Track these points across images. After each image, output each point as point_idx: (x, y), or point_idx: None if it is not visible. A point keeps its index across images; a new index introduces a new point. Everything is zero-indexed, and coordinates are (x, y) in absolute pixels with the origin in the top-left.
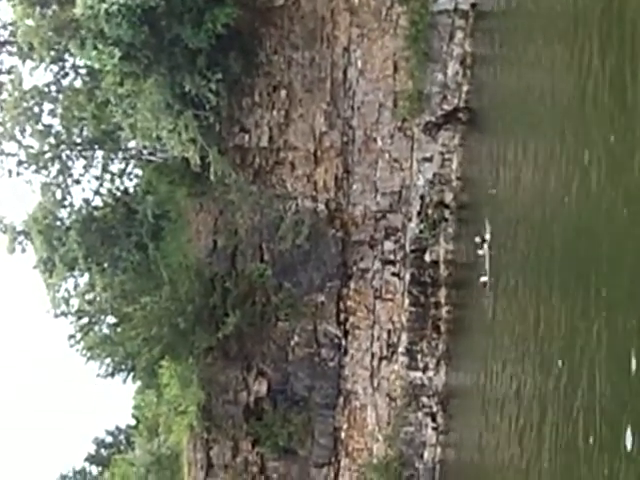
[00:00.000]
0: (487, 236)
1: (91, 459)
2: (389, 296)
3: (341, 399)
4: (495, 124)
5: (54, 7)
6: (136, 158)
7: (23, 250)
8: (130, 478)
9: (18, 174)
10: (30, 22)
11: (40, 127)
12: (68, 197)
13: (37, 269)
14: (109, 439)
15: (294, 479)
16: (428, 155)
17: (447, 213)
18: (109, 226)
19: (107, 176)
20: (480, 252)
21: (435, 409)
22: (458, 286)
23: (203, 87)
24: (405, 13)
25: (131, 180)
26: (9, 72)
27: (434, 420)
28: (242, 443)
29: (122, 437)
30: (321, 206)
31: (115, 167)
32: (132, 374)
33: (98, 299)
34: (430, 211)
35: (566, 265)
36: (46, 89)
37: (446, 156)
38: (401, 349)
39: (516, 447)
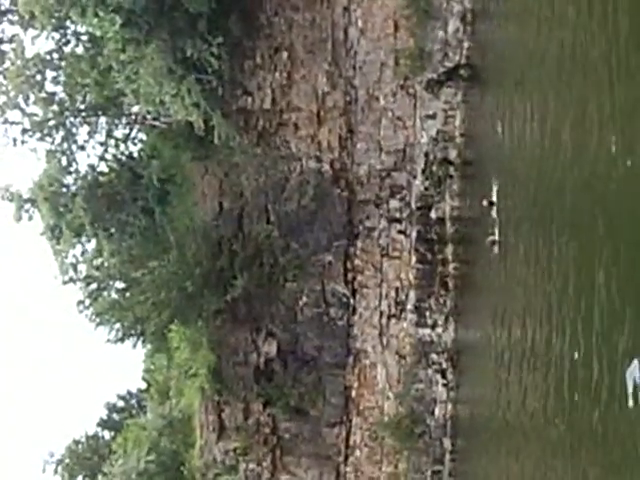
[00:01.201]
0: (494, 197)
1: (103, 424)
2: (396, 254)
3: (351, 358)
4: (497, 80)
5: None
6: (140, 123)
7: (30, 218)
8: (142, 442)
9: (23, 142)
10: None
11: (43, 95)
12: (73, 164)
13: (44, 236)
14: (121, 403)
15: (306, 439)
16: (431, 112)
17: (452, 170)
18: (115, 191)
19: (111, 142)
20: (490, 214)
21: (445, 365)
22: (465, 242)
23: (205, 51)
24: None
25: (135, 145)
26: (11, 41)
27: (444, 377)
28: (253, 404)
29: (134, 401)
30: (326, 166)
31: (119, 132)
32: (142, 338)
33: (106, 264)
34: (435, 168)
35: (574, 220)
36: (48, 57)
37: (449, 113)
38: (409, 306)
39: (527, 401)
